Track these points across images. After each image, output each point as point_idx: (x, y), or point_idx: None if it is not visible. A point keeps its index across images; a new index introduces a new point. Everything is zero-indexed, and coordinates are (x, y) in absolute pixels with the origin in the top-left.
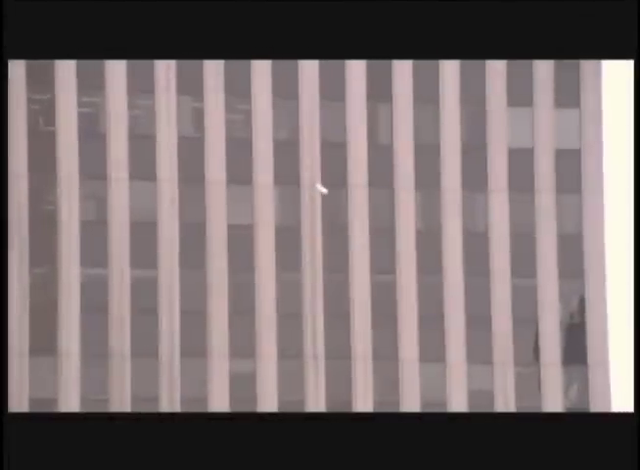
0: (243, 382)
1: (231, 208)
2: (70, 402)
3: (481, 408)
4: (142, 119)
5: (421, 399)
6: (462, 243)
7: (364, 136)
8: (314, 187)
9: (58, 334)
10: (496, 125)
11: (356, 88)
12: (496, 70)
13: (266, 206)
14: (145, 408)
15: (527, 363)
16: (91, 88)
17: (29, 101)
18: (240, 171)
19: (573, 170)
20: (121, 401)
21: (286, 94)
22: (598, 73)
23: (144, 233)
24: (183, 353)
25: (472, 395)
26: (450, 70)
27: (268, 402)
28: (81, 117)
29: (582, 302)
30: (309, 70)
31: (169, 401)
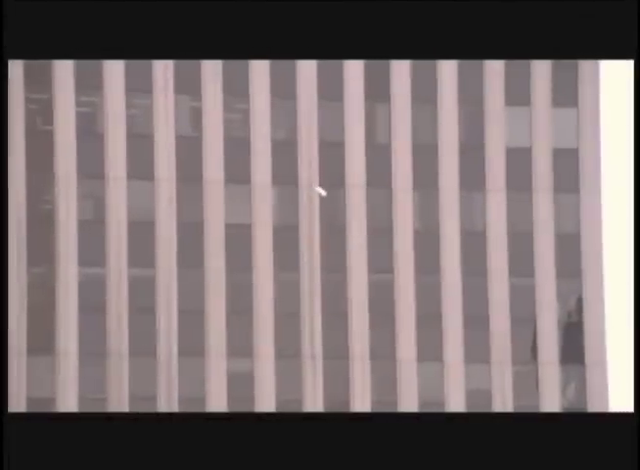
0: (241, 381)
1: (229, 207)
2: (68, 402)
3: (479, 408)
4: (140, 119)
5: (419, 399)
6: (460, 243)
7: (362, 136)
8: (312, 188)
9: (56, 333)
10: (494, 125)
11: (354, 88)
12: (494, 70)
13: (264, 205)
14: (143, 408)
15: (525, 363)
16: (89, 88)
17: (27, 100)
18: (238, 171)
19: (571, 170)
20: (119, 401)
21: (284, 94)
22: (596, 73)
23: (142, 232)
24: (181, 353)
25: (469, 394)
26: (448, 70)
27: (266, 402)
28: (79, 116)
29: (580, 301)
30: (307, 69)
31: (167, 401)
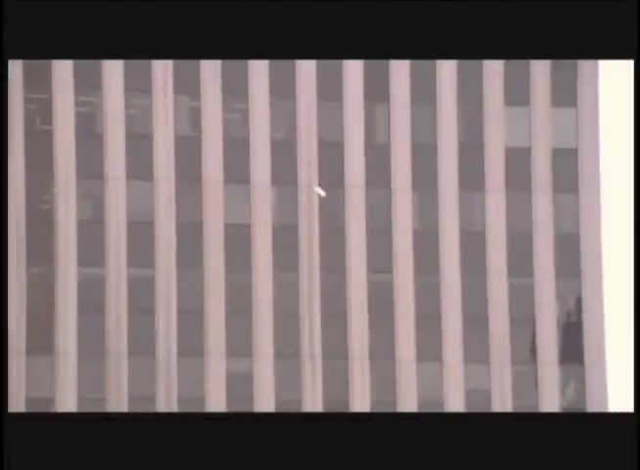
0: (240, 381)
1: (228, 207)
2: (68, 402)
3: (478, 408)
4: (139, 119)
5: (418, 399)
6: (459, 243)
7: (361, 136)
8: (312, 188)
9: (55, 333)
10: (493, 125)
11: (354, 88)
12: (493, 70)
13: (263, 205)
14: (142, 408)
15: (524, 363)
16: (88, 88)
17: (26, 100)
18: (237, 171)
19: (570, 170)
20: (118, 401)
21: (283, 94)
22: (595, 72)
23: (141, 232)
24: (180, 353)
25: (469, 394)
26: (447, 70)
27: (265, 402)
28: (78, 116)
29: (579, 301)
30: (307, 69)
31: (166, 401)
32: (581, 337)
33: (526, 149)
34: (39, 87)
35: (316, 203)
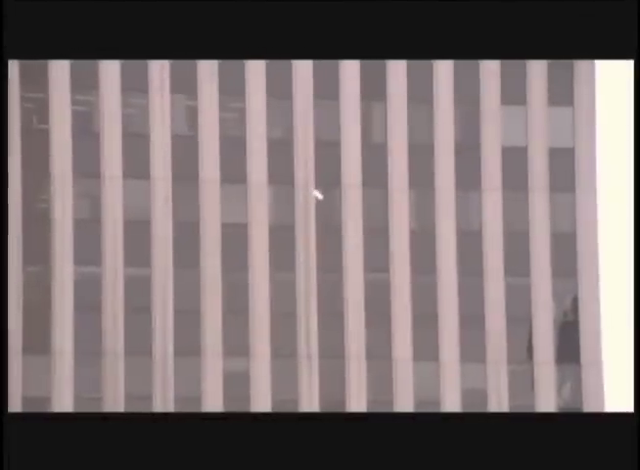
0: (236, 381)
1: (225, 206)
2: (64, 401)
3: (475, 407)
4: (136, 118)
5: (414, 398)
6: (456, 242)
7: (358, 136)
8: (309, 190)
9: (51, 332)
10: (489, 124)
11: (350, 88)
12: (490, 70)
13: (260, 205)
14: (138, 407)
15: (521, 362)
16: (85, 87)
17: (23, 99)
18: (234, 170)
19: (567, 169)
20: (115, 400)
21: (280, 93)
22: (591, 72)
23: (138, 231)
24: (177, 352)
25: (465, 393)
26: (444, 70)
27: (262, 402)
28: (75, 115)
29: (576, 301)
30: (303, 69)
31: (163, 400)
32: (578, 336)
33: (523, 148)
34: (36, 86)
35: (313, 202)
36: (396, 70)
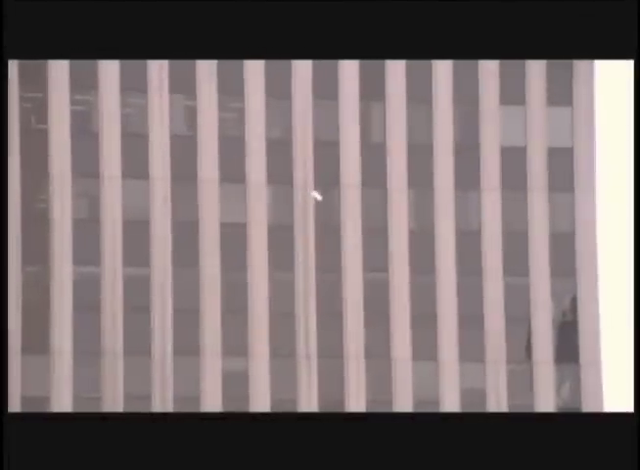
0: (235, 381)
1: (224, 206)
2: (63, 401)
3: (474, 407)
4: (135, 118)
5: (413, 398)
6: (455, 242)
7: (357, 136)
8: (309, 192)
9: (50, 332)
10: (489, 124)
11: (349, 88)
12: (489, 70)
13: (259, 204)
14: (137, 407)
15: (520, 362)
16: (84, 87)
17: (22, 99)
18: (232, 170)
19: (566, 169)
20: (114, 400)
21: (279, 93)
22: (590, 72)
23: (136, 231)
24: (176, 352)
25: (464, 393)
26: (443, 70)
27: (261, 401)
28: (74, 115)
29: (574, 300)
30: (302, 69)
31: (162, 400)
32: (577, 336)
33: (522, 148)
34: (35, 86)
35: (312, 202)
36: (395, 70)
